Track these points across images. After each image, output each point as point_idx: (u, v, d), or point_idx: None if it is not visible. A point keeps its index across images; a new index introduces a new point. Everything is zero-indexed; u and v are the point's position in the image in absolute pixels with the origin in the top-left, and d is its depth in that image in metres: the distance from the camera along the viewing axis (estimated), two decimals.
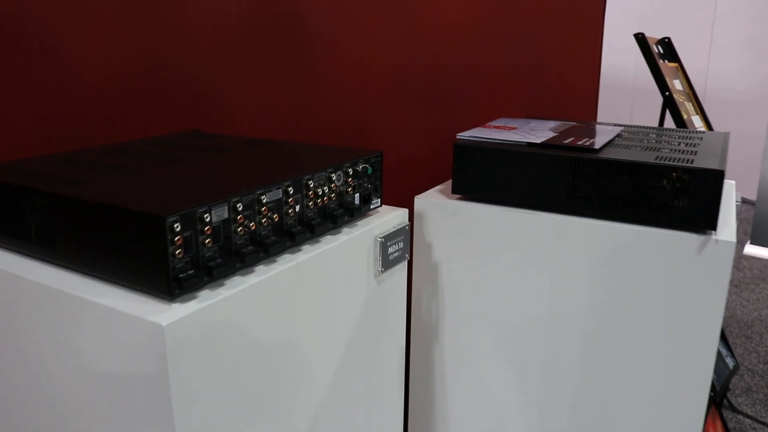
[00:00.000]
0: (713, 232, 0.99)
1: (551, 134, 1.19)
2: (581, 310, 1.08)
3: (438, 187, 1.25)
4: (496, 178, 1.11)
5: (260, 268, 0.78)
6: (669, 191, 1.00)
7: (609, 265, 1.05)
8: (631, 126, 1.36)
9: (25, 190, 0.78)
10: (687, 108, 1.78)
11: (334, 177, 0.88)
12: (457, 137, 1.17)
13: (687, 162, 1.00)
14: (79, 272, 0.76)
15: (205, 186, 0.76)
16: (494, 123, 1.32)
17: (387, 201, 1.60)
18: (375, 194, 0.98)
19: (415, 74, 1.63)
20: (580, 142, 1.11)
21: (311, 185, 0.83)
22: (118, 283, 0.73)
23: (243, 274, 0.76)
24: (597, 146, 1.08)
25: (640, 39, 1.73)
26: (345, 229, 0.93)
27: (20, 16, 1.23)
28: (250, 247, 0.75)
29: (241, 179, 0.79)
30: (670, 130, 1.33)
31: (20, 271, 0.78)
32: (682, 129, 1.39)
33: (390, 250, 0.99)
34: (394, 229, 0.99)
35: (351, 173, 0.91)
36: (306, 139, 1.59)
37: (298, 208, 0.82)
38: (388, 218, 0.99)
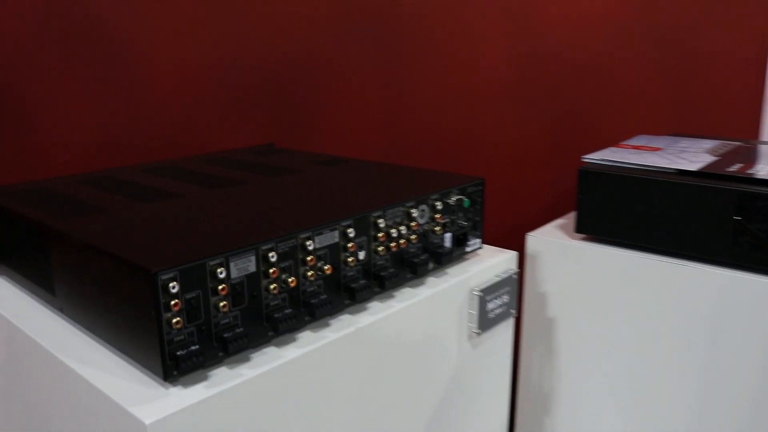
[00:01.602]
0: None
1: (710, 158, 0.92)
2: (747, 397, 0.80)
3: (556, 222, 1.00)
4: (634, 216, 0.86)
5: (304, 337, 0.57)
6: None
7: None
8: None
9: (23, 218, 0.62)
10: None
11: (414, 213, 0.66)
12: (583, 160, 0.92)
13: None
14: (80, 327, 0.59)
15: (233, 224, 0.57)
16: (631, 142, 1.06)
17: (488, 239, 1.34)
18: (473, 233, 0.76)
19: (532, 77, 1.39)
20: (751, 170, 0.84)
21: (381, 225, 0.62)
22: (118, 350, 0.55)
23: (279, 345, 0.56)
24: None
25: None
26: (429, 280, 0.71)
27: (94, 26, 1.11)
28: (288, 310, 0.54)
29: (285, 215, 0.59)
30: None
31: (10, 314, 0.62)
32: None
33: (490, 306, 0.76)
34: (498, 280, 0.76)
35: (440, 207, 0.69)
36: (398, 154, 1.39)
37: (362, 255, 0.61)
38: (489, 264, 0.76)
